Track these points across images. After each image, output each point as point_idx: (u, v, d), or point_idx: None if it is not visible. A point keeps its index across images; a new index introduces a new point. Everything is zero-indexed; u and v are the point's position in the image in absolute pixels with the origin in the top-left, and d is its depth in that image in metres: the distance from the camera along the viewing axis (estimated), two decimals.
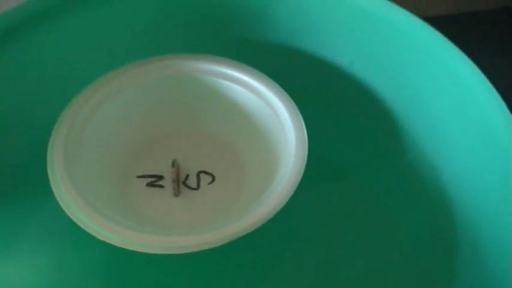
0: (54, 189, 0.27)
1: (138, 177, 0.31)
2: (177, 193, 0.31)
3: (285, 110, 0.30)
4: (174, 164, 0.31)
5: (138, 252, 0.25)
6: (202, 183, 0.31)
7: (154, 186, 0.31)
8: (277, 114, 0.30)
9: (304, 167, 0.28)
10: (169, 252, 0.25)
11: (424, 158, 0.32)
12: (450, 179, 0.31)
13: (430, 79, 0.31)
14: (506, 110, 0.28)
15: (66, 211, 0.26)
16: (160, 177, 0.31)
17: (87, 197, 0.27)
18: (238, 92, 0.32)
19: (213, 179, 0.31)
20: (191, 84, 0.32)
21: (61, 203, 0.27)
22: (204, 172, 0.32)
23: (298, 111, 0.30)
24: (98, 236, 0.26)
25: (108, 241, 0.26)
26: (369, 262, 0.30)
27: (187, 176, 0.32)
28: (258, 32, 0.34)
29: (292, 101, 0.30)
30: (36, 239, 0.31)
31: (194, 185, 0.31)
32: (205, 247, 0.25)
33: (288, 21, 0.33)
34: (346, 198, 0.33)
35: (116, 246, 0.26)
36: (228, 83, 0.32)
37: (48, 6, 0.30)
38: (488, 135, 0.28)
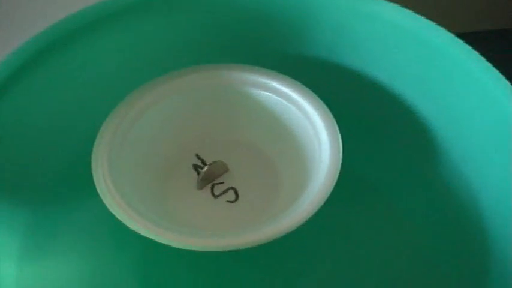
0: (99, 192, 0.28)
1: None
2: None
3: (320, 120, 0.30)
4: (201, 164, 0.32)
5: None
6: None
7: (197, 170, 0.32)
8: (312, 124, 0.31)
9: (336, 178, 0.29)
10: (208, 250, 0.27)
11: (460, 181, 0.32)
12: (488, 207, 0.31)
13: (469, 101, 0.31)
14: None
15: (113, 212, 0.27)
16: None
17: (130, 200, 0.28)
18: (274, 101, 0.32)
19: (236, 198, 0.32)
20: (229, 93, 0.33)
21: (108, 206, 0.28)
22: (233, 189, 0.32)
23: (333, 120, 0.30)
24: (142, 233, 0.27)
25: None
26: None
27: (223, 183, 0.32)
28: (297, 47, 0.34)
29: (327, 110, 0.31)
30: (74, 240, 0.32)
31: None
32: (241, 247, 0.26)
33: (328, 37, 0.34)
34: (376, 216, 0.33)
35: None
36: (264, 92, 0.32)
37: (88, 22, 0.32)
38: None
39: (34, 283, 0.30)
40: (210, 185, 0.32)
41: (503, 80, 0.30)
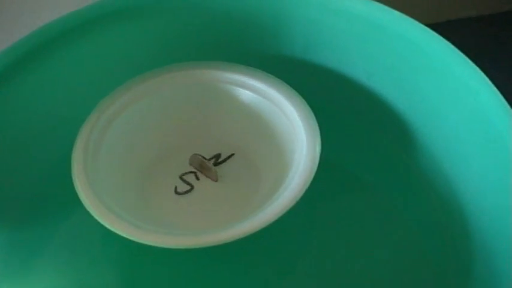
0: (81, 199, 0.28)
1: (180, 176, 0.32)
2: (214, 177, 0.32)
3: (298, 116, 0.30)
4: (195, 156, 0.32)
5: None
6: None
7: (184, 181, 0.32)
8: (290, 120, 0.31)
9: (313, 171, 0.29)
10: (186, 247, 0.27)
11: (439, 170, 0.32)
12: (465, 192, 0.31)
13: (445, 93, 0.31)
14: None
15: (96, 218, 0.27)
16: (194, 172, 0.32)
17: (109, 205, 0.28)
18: (253, 99, 0.32)
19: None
20: (207, 91, 0.33)
21: (89, 211, 0.28)
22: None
23: (311, 114, 0.31)
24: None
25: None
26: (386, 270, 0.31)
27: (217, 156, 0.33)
28: (273, 45, 0.34)
29: (306, 105, 0.31)
30: (55, 255, 0.31)
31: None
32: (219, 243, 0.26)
33: (302, 34, 0.34)
34: (363, 206, 0.33)
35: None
36: (242, 90, 0.33)
37: (60, 32, 0.32)
38: (501, 152, 0.28)
39: None
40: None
41: (478, 72, 0.29)
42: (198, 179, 0.32)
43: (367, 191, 0.34)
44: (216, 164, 0.33)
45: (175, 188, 0.32)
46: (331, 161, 0.30)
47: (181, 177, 0.32)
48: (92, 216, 0.28)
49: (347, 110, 0.35)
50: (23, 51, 0.31)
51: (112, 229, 0.27)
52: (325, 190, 0.32)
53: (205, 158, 0.32)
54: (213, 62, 0.33)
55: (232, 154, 0.33)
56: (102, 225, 0.29)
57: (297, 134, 0.30)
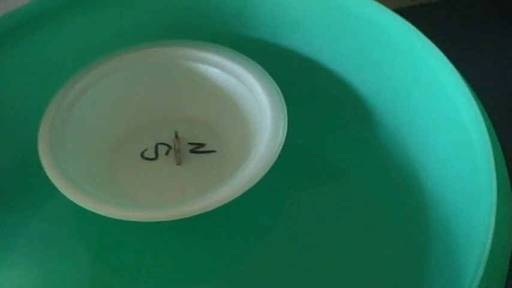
0: (48, 175, 0.29)
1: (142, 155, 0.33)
2: (179, 161, 0.32)
3: (262, 90, 0.31)
4: (176, 135, 0.33)
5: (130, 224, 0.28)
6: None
7: (145, 158, 0.33)
8: (253, 92, 0.32)
9: (279, 148, 0.29)
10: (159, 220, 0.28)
11: (404, 152, 0.33)
12: (429, 173, 0.32)
13: (407, 73, 0.32)
14: (477, 110, 0.28)
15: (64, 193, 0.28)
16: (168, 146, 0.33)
17: (77, 181, 0.29)
18: (215, 74, 0.33)
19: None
20: (172, 69, 0.34)
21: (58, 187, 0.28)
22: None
23: (275, 87, 0.31)
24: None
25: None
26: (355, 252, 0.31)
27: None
28: (240, 28, 0.35)
29: (272, 82, 0.32)
30: (30, 248, 0.32)
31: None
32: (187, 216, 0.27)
33: (270, 18, 0.35)
34: (331, 189, 0.34)
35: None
36: (206, 66, 0.33)
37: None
38: (460, 132, 0.29)
39: None
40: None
41: (439, 52, 0.30)
42: (167, 154, 0.33)
43: (333, 173, 0.35)
44: (193, 152, 0.33)
45: (143, 152, 0.33)
46: (297, 144, 0.31)
47: (156, 146, 0.33)
48: (64, 198, 0.28)
49: (313, 92, 0.36)
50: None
51: (80, 204, 0.28)
52: (294, 176, 0.33)
53: (177, 137, 0.33)
54: (178, 40, 0.34)
55: (214, 151, 0.33)
56: (73, 207, 0.29)
57: (263, 117, 0.31)
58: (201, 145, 0.33)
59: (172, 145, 0.33)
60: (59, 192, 0.29)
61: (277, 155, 0.29)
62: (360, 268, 0.31)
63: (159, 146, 0.33)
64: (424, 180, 0.32)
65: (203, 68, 0.33)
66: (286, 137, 0.30)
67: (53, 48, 0.33)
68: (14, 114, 0.33)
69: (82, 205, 0.28)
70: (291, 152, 0.30)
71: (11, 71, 0.33)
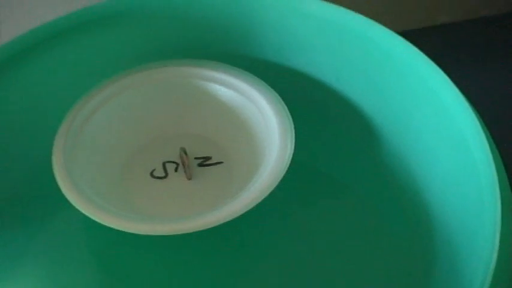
0: (61, 188, 0.29)
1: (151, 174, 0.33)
2: (189, 176, 0.33)
3: (268, 105, 0.32)
4: (185, 151, 0.33)
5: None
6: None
7: (155, 177, 0.33)
8: (260, 110, 0.32)
9: (286, 164, 0.30)
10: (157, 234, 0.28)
11: (407, 169, 0.34)
12: (432, 190, 0.32)
13: (410, 93, 0.33)
14: (480, 129, 0.29)
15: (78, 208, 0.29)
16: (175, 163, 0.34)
17: (89, 194, 0.29)
18: (224, 93, 0.34)
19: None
20: (179, 87, 0.34)
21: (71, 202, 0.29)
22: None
23: (281, 104, 0.32)
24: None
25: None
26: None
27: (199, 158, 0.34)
28: (246, 49, 0.36)
29: (275, 95, 0.33)
30: (41, 258, 0.32)
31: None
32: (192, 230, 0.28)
33: (275, 39, 0.35)
34: (336, 206, 0.34)
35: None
36: (212, 84, 0.34)
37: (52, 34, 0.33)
38: (463, 150, 0.29)
39: None
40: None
41: (442, 75, 0.31)
42: (176, 171, 0.33)
43: (338, 190, 0.35)
44: (201, 165, 0.34)
45: (152, 171, 0.33)
46: (303, 164, 0.32)
47: (164, 164, 0.34)
48: (74, 211, 0.29)
49: (317, 111, 0.36)
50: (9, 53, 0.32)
51: (92, 217, 0.28)
52: (299, 193, 0.34)
53: (186, 154, 0.33)
54: (186, 60, 0.35)
55: (221, 162, 0.34)
56: (84, 220, 0.30)
57: (270, 132, 0.31)
58: (208, 158, 0.34)
59: (179, 162, 0.34)
60: (68, 205, 0.29)
61: (285, 171, 0.30)
62: (363, 284, 0.31)
63: (167, 164, 0.34)
64: (427, 197, 0.32)
65: (209, 85, 0.34)
66: None
67: (66, 67, 0.34)
68: (26, 131, 0.34)
69: (93, 217, 0.28)
70: (294, 169, 0.31)
71: (25, 90, 0.34)
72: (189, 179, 0.33)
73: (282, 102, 0.33)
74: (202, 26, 0.35)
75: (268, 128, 0.32)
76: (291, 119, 0.32)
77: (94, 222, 0.29)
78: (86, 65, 0.35)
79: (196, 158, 0.34)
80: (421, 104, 0.32)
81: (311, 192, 0.35)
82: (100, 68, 0.35)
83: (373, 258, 0.32)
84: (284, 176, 0.30)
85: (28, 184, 0.34)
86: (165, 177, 0.33)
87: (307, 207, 0.34)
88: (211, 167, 0.33)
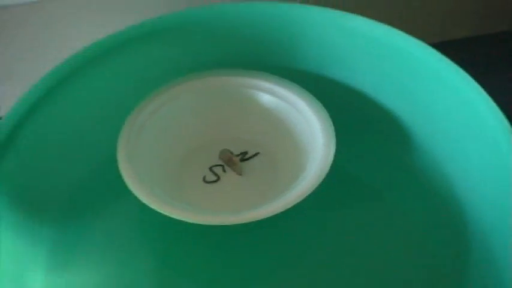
0: (129, 186, 0.32)
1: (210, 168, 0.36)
2: (240, 172, 0.35)
3: (311, 111, 0.35)
4: (230, 151, 0.36)
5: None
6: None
7: (212, 172, 0.36)
8: (306, 118, 0.35)
9: (329, 165, 0.32)
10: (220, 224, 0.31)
11: (441, 173, 0.35)
12: (466, 193, 0.34)
13: (444, 102, 0.35)
14: (507, 126, 0.31)
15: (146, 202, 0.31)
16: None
17: (155, 191, 0.32)
18: (271, 100, 0.37)
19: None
20: (231, 95, 0.37)
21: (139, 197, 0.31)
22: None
23: (326, 115, 0.34)
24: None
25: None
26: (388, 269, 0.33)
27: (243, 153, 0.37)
28: (291, 61, 0.39)
29: (319, 105, 0.35)
30: (95, 249, 0.35)
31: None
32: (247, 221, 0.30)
33: (317, 52, 0.38)
34: (370, 211, 0.36)
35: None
36: (259, 92, 0.37)
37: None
38: (496, 154, 0.31)
39: None
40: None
41: (473, 82, 0.33)
42: (224, 171, 0.36)
43: (374, 196, 0.37)
44: (242, 160, 0.36)
45: (204, 177, 0.36)
46: (340, 169, 0.33)
47: (210, 169, 0.36)
48: (130, 203, 0.32)
49: (355, 119, 0.38)
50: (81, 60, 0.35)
51: (160, 211, 0.31)
52: (335, 196, 0.36)
53: (232, 153, 0.36)
54: (238, 70, 0.37)
55: (258, 153, 0.36)
56: (139, 213, 0.33)
57: (313, 135, 0.34)
58: (244, 153, 0.36)
59: (223, 163, 0.36)
60: (124, 198, 0.32)
61: (326, 173, 0.32)
62: (393, 286, 0.33)
63: (214, 168, 0.36)
64: (460, 200, 0.34)
65: (255, 93, 0.37)
66: None
67: (124, 77, 0.37)
68: (94, 129, 0.37)
69: (157, 209, 0.31)
70: (333, 177, 0.33)
71: (92, 93, 0.37)
72: (240, 174, 0.35)
73: (323, 108, 0.35)
74: (251, 40, 0.38)
75: (312, 132, 0.34)
76: (332, 124, 0.34)
77: (148, 215, 0.31)
78: (146, 72, 0.38)
79: (236, 156, 0.36)
80: (455, 111, 0.34)
81: (345, 195, 0.37)
82: (158, 75, 0.37)
83: (407, 259, 0.34)
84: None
85: (90, 182, 0.37)
86: (217, 180, 0.36)
87: (342, 209, 0.36)
88: (258, 162, 0.36)
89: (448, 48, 0.36)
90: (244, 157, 0.36)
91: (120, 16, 0.39)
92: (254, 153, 0.36)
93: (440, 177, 0.35)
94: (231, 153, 0.36)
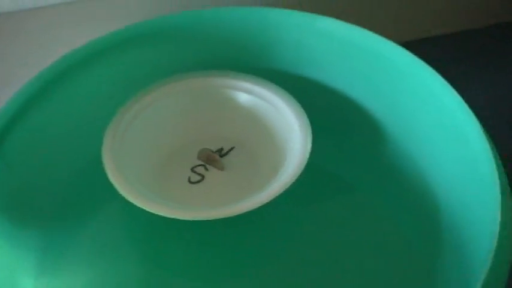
0: (115, 185, 0.33)
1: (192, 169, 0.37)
2: (222, 167, 0.37)
3: (289, 110, 0.36)
4: (211, 150, 0.37)
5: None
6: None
7: (195, 172, 0.37)
8: (280, 112, 0.36)
9: (307, 157, 0.33)
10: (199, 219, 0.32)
11: (416, 170, 0.37)
12: (438, 184, 0.35)
13: (415, 99, 0.36)
14: (478, 125, 0.32)
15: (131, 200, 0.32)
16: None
17: (139, 189, 0.33)
18: (249, 99, 0.38)
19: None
20: (211, 94, 0.38)
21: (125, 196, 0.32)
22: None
23: (302, 112, 0.36)
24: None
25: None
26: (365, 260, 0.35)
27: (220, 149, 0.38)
28: (267, 62, 0.40)
29: (297, 103, 0.36)
30: (84, 252, 0.36)
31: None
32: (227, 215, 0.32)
33: (293, 53, 0.39)
34: (348, 206, 0.38)
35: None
36: (237, 92, 0.38)
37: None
38: (465, 148, 0.33)
39: None
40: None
41: (440, 78, 0.35)
42: (207, 169, 0.37)
43: (348, 191, 0.39)
44: (220, 156, 0.37)
45: (189, 178, 0.37)
46: (315, 165, 0.34)
47: (192, 170, 0.37)
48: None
49: (329, 116, 0.40)
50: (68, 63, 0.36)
51: (147, 209, 0.32)
52: (311, 191, 0.37)
53: (211, 151, 0.37)
54: (217, 71, 0.39)
55: (233, 147, 0.38)
56: (125, 215, 0.34)
57: (291, 132, 0.35)
58: (220, 150, 0.38)
59: (203, 162, 0.37)
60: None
61: (303, 168, 0.33)
62: (369, 276, 0.34)
63: (196, 169, 0.37)
64: (432, 190, 0.35)
65: (235, 93, 0.38)
66: None
67: (110, 79, 0.38)
68: (76, 132, 0.38)
69: (141, 206, 0.32)
70: (308, 173, 0.34)
71: (77, 96, 0.37)
72: (222, 169, 0.37)
73: (300, 106, 0.36)
74: (228, 43, 0.39)
75: (289, 129, 0.35)
76: (308, 121, 0.35)
77: (134, 214, 0.32)
78: (128, 75, 0.39)
79: (215, 152, 0.38)
80: (427, 108, 0.36)
81: (320, 191, 0.38)
82: (141, 78, 0.38)
83: (380, 251, 0.35)
84: None
85: (81, 178, 0.38)
86: (201, 180, 0.37)
87: (318, 203, 0.38)
88: (238, 157, 0.37)
89: (425, 45, 0.37)
90: (221, 153, 0.38)
91: (116, 21, 0.40)
92: (229, 148, 0.38)
93: (414, 172, 0.37)
94: (211, 151, 0.37)
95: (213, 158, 0.37)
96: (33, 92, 0.35)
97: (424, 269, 0.34)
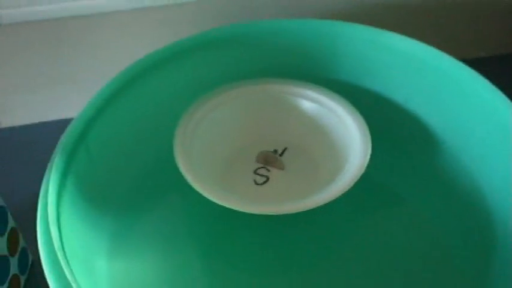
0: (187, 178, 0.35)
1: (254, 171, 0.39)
2: (282, 166, 0.39)
3: (353, 122, 0.37)
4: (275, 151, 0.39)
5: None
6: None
7: (259, 174, 0.39)
8: (343, 122, 0.38)
9: (366, 162, 0.35)
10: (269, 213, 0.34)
11: (471, 186, 0.37)
12: (494, 203, 0.36)
13: (472, 111, 0.37)
14: None
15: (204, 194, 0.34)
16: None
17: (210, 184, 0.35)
18: (311, 106, 0.40)
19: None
20: (274, 101, 0.40)
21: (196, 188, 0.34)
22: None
23: (362, 120, 0.37)
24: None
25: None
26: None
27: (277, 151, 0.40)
28: (329, 72, 0.42)
29: (356, 110, 0.38)
30: (153, 238, 0.38)
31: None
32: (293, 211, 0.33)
33: (353, 65, 0.41)
34: (401, 220, 0.39)
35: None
36: (305, 100, 0.40)
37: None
38: None
39: (123, 274, 0.36)
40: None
41: (499, 93, 0.36)
42: (268, 170, 0.39)
43: (402, 204, 0.40)
44: (280, 155, 0.39)
45: (254, 180, 0.38)
46: (370, 177, 0.36)
47: (255, 172, 0.39)
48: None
49: (386, 128, 0.41)
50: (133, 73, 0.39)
51: (221, 203, 0.33)
52: (364, 203, 0.39)
53: (268, 152, 0.39)
54: (281, 79, 0.40)
55: (286, 148, 0.39)
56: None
57: (351, 139, 0.37)
58: (275, 151, 0.39)
59: (262, 164, 0.39)
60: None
61: (361, 174, 0.34)
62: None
63: (259, 170, 0.39)
64: (488, 204, 0.36)
65: (298, 100, 0.40)
66: None
67: (179, 81, 0.41)
68: (148, 130, 0.40)
69: (216, 200, 0.34)
70: (362, 185, 0.35)
71: (153, 94, 0.40)
72: (282, 169, 0.38)
73: (360, 115, 0.38)
74: (294, 53, 0.41)
75: (350, 136, 0.37)
76: (368, 130, 0.37)
77: (196, 208, 0.35)
78: (199, 78, 0.41)
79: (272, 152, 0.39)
80: (481, 119, 0.36)
81: (373, 200, 0.39)
82: (211, 81, 0.41)
83: (428, 265, 0.36)
84: None
85: (150, 172, 0.40)
86: (267, 181, 0.39)
87: (371, 213, 0.39)
88: (297, 158, 0.39)
89: (476, 65, 0.39)
90: (275, 154, 0.39)
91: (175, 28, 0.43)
92: (283, 148, 0.39)
93: (469, 188, 0.37)
94: (269, 151, 0.39)
95: (273, 158, 0.39)
96: (117, 87, 0.37)
97: (472, 285, 0.34)
